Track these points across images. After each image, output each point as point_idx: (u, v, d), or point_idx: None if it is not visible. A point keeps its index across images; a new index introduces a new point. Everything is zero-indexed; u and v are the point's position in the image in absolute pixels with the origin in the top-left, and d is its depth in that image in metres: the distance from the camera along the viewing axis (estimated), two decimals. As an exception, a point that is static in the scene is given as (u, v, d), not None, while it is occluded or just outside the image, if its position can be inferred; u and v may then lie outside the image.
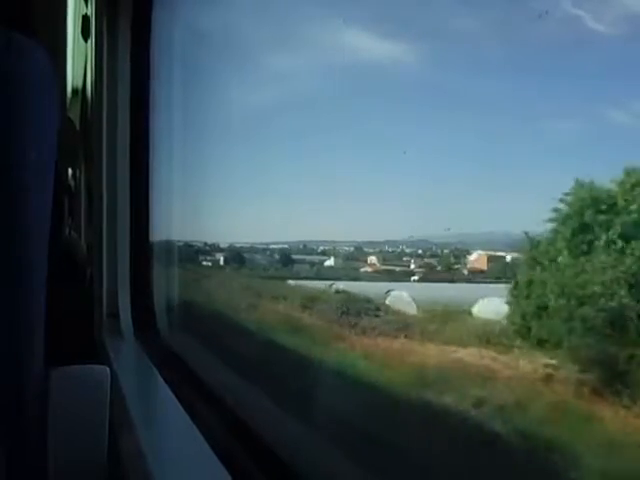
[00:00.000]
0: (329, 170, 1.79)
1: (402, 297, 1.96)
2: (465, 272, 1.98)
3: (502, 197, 1.49)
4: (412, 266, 2.08)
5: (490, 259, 1.96)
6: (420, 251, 2.08)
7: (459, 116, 1.42)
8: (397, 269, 2.12)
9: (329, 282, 2.26)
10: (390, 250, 2.12)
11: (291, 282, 2.43)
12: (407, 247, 2.10)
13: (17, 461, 0.95)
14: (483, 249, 1.97)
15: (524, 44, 1.22)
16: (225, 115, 2.03)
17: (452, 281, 2.00)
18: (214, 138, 2.05)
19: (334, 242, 2.23)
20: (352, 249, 2.21)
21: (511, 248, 1.93)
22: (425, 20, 1.41)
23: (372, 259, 2.14)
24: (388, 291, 2.01)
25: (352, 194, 1.73)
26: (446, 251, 2.06)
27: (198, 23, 2.11)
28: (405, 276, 2.10)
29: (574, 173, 1.30)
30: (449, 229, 1.71)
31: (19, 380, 0.94)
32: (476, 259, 1.99)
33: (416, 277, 2.06)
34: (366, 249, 2.17)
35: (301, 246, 2.29)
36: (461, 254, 2.04)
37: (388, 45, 1.57)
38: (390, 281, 2.13)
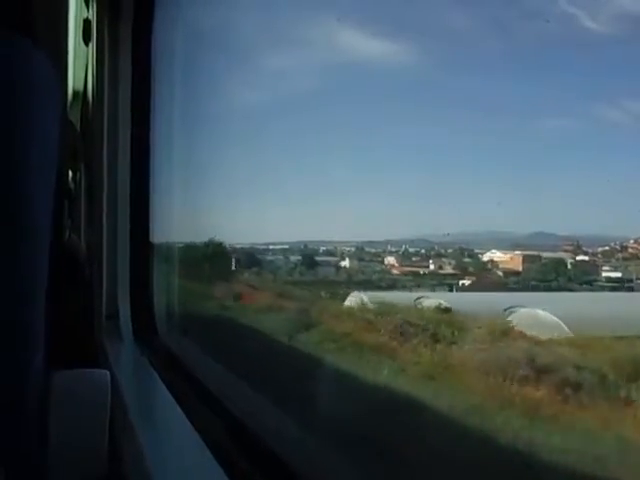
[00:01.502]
0: (327, 170, 1.78)
1: (540, 318, 1.45)
2: (500, 274, 1.76)
3: (501, 196, 1.48)
4: (431, 267, 1.96)
5: (525, 259, 1.74)
6: (423, 250, 2.02)
7: (457, 115, 1.43)
8: (421, 271, 1.96)
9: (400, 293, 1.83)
10: (394, 250, 2.07)
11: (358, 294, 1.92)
12: (410, 247, 2.04)
13: (17, 465, 0.95)
14: (496, 248, 1.83)
15: (520, 43, 1.22)
16: (225, 116, 2.04)
17: (511, 288, 1.69)
18: (214, 139, 2.06)
19: (334, 242, 2.21)
20: (353, 249, 2.17)
21: (522, 247, 1.82)
22: (421, 19, 1.41)
23: (390, 260, 2.01)
24: (508, 308, 1.52)
25: (349, 194, 1.73)
26: (450, 250, 2.00)
27: (199, 27, 2.12)
28: (441, 278, 1.89)
29: (573, 171, 1.30)
30: (448, 234, 1.67)
31: (20, 383, 0.94)
32: (508, 259, 1.77)
33: (466, 282, 1.80)
34: (367, 249, 2.14)
35: (302, 246, 2.28)
36: (473, 254, 1.94)
37: (389, 45, 1.57)
38: (436, 286, 1.83)
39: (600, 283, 1.62)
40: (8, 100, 0.89)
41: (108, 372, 1.13)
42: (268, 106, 1.96)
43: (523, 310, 1.48)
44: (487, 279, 1.75)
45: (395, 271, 1.98)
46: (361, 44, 1.59)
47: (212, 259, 2.33)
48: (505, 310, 1.50)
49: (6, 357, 0.92)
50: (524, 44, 1.19)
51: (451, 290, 1.85)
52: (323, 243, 2.21)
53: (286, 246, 2.33)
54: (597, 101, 1.19)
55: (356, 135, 1.65)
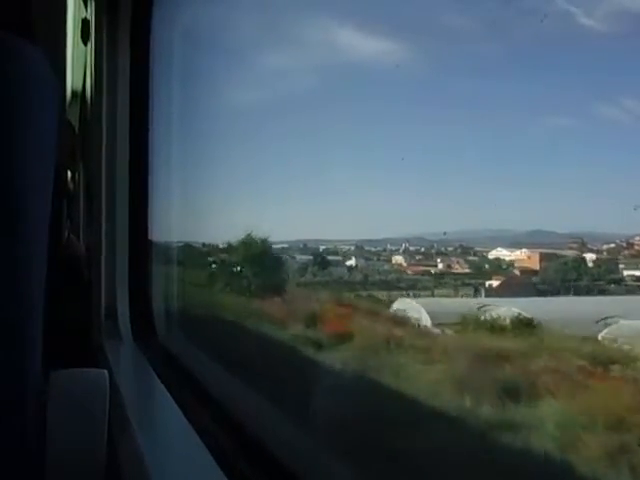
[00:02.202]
0: (323, 169, 1.78)
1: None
2: (517, 272, 1.65)
3: (497, 194, 1.48)
4: (439, 266, 1.92)
5: (543, 257, 1.63)
6: (422, 249, 2.00)
7: (454, 115, 1.43)
8: (432, 270, 1.91)
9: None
10: (394, 248, 2.05)
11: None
12: (410, 245, 2.03)
13: (16, 465, 0.95)
14: (501, 246, 1.76)
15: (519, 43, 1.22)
16: (224, 115, 2.04)
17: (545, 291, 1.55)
18: (213, 138, 2.06)
19: (333, 241, 2.20)
20: (352, 248, 2.16)
21: (527, 245, 1.77)
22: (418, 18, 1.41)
23: (398, 258, 1.95)
24: (603, 319, 1.18)
25: (346, 193, 1.73)
26: (450, 248, 1.98)
27: (197, 27, 2.12)
28: (463, 278, 1.81)
29: (572, 170, 1.30)
30: (445, 233, 1.65)
31: (18, 383, 0.94)
32: (524, 257, 1.68)
33: (494, 282, 1.67)
34: (367, 247, 2.14)
35: (301, 245, 2.27)
36: (477, 252, 1.92)
37: (388, 45, 1.57)
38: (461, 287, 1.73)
39: (630, 282, 1.43)
40: (6, 99, 0.89)
41: (106, 371, 1.13)
42: (267, 105, 1.96)
43: (624, 322, 1.14)
44: (516, 280, 1.61)
45: (409, 271, 1.92)
46: (360, 43, 1.59)
47: (257, 263, 1.92)
48: (598, 322, 1.18)
49: (4, 357, 0.92)
50: (523, 43, 1.19)
51: (477, 291, 1.70)
52: (322, 242, 2.21)
53: (285, 245, 2.33)
54: (597, 99, 1.19)
55: (354, 134, 1.65)
